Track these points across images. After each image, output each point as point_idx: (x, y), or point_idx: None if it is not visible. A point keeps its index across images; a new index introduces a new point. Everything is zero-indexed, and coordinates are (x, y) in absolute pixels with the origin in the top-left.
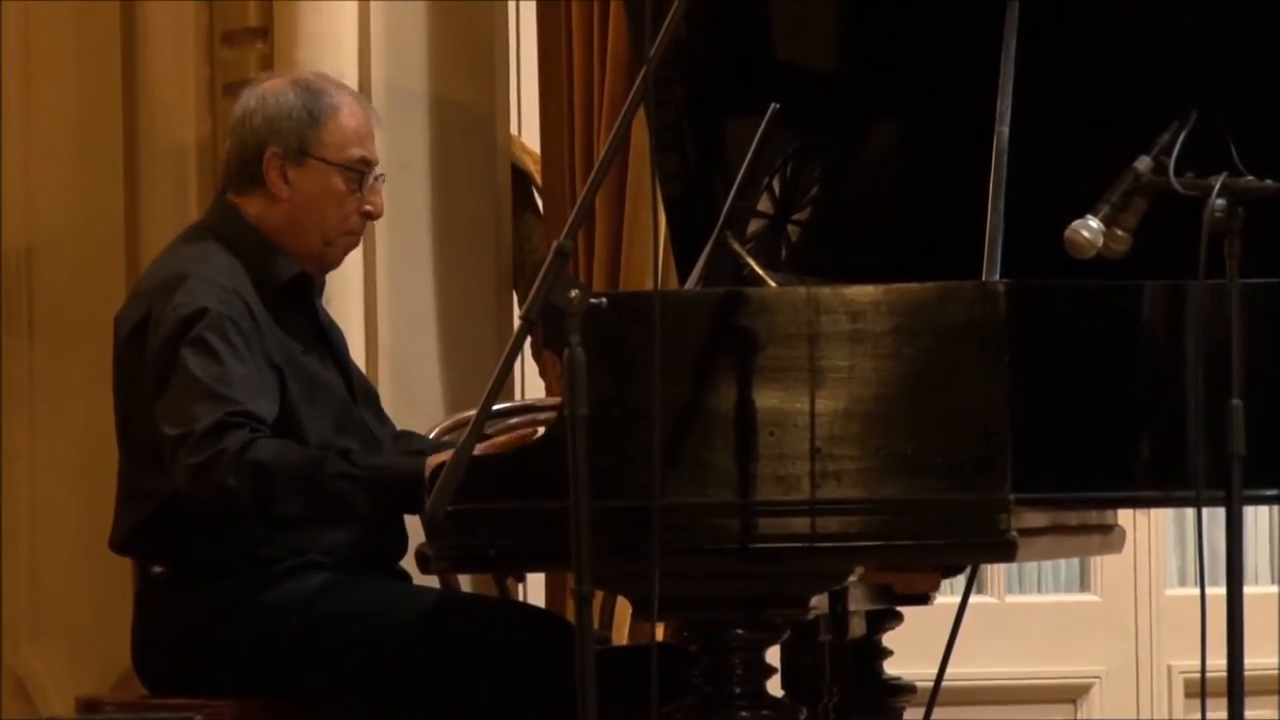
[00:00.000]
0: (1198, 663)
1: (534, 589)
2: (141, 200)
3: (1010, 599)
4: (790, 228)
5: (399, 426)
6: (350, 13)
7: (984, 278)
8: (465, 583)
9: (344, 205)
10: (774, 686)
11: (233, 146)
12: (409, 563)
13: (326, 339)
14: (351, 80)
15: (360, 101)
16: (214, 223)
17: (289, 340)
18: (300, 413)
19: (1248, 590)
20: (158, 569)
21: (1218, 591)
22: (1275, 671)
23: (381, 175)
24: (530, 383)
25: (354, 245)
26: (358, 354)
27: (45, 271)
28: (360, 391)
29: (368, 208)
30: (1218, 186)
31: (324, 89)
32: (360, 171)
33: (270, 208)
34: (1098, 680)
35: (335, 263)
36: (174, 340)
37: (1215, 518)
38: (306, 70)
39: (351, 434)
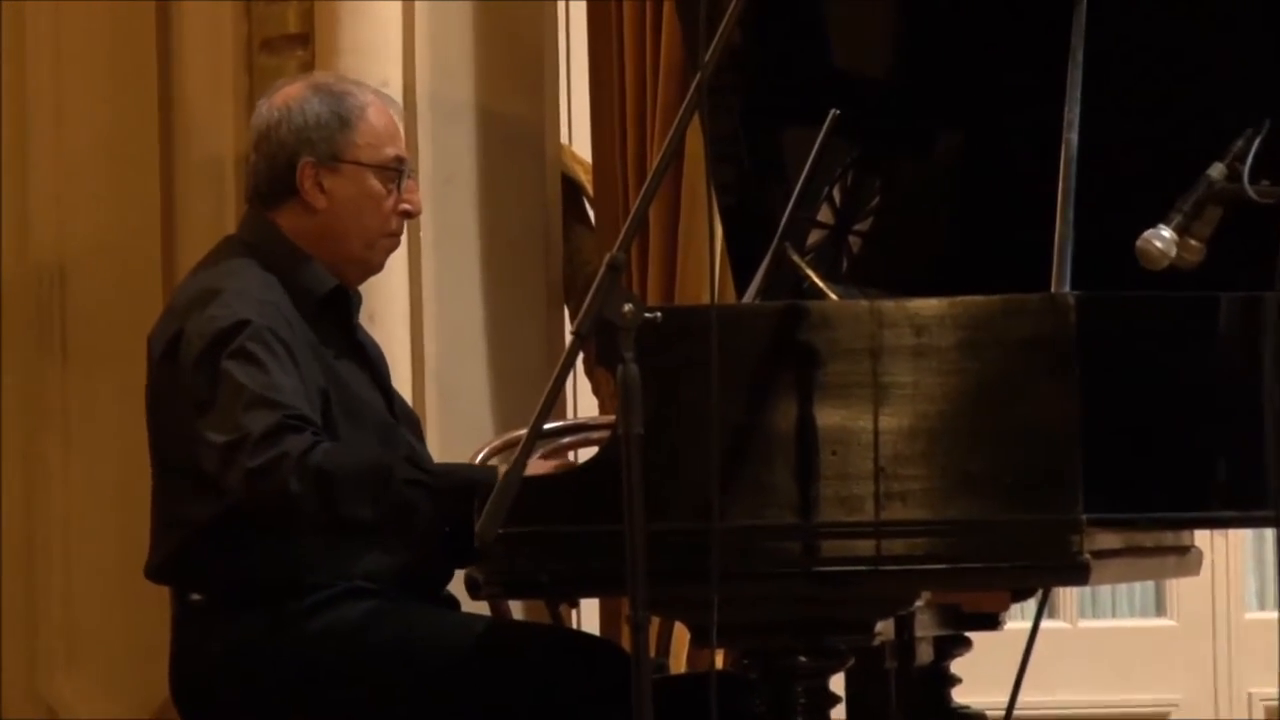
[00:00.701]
0: (1278, 689)
1: (588, 615)
2: (178, 214)
3: (1083, 624)
4: (851, 238)
5: (448, 447)
6: (394, 19)
7: (1053, 289)
8: (517, 609)
9: (382, 207)
10: (838, 716)
11: (259, 161)
12: (458, 588)
13: (365, 357)
14: (395, 89)
15: (383, 97)
16: (246, 237)
17: (328, 356)
18: (341, 431)
19: None
20: (196, 596)
21: None
22: None
23: (412, 170)
24: (583, 401)
25: (395, 247)
26: (404, 374)
27: (78, 289)
28: (401, 414)
29: (405, 206)
30: None
31: (347, 90)
32: (396, 170)
33: (306, 219)
34: (1175, 708)
35: (378, 267)
36: (213, 353)
37: None
38: (319, 73)
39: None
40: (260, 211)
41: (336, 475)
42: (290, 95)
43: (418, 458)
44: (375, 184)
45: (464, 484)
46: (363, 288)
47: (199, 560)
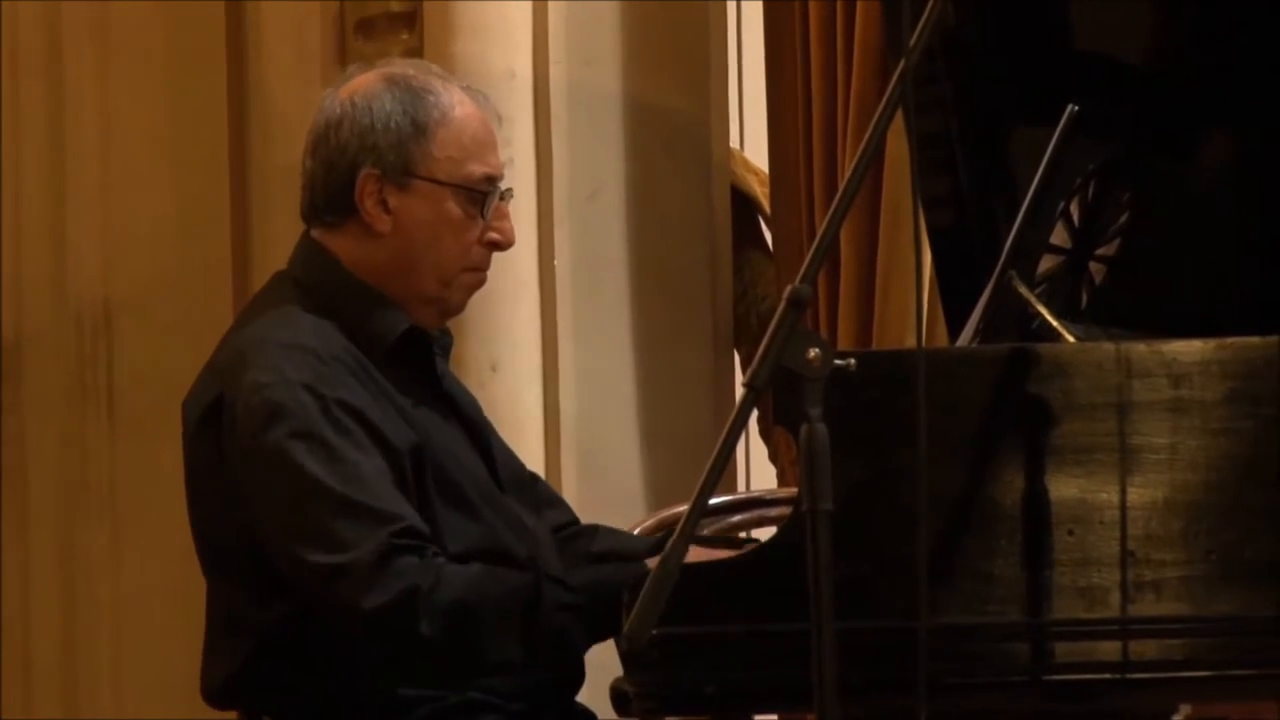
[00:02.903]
0: None
1: None
2: (254, 239)
3: None
4: (1093, 266)
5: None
6: None
7: None
8: None
9: (463, 235)
10: None
11: (315, 169)
12: (601, 701)
13: (457, 411)
14: (524, 81)
15: (477, 99)
16: (297, 273)
17: (409, 408)
18: (437, 512)
19: None
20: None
21: None
22: None
23: (509, 191)
24: (757, 469)
25: (479, 284)
26: (534, 437)
27: (129, 335)
28: (508, 476)
29: (493, 235)
30: None
31: (428, 87)
32: (482, 192)
33: (366, 245)
34: None
35: (457, 307)
36: (267, 432)
37: None
38: (401, 61)
39: (506, 536)
40: (315, 237)
41: (477, 613)
42: (358, 88)
43: (557, 573)
44: (453, 208)
45: (610, 596)
46: (481, 331)
47: (270, 674)
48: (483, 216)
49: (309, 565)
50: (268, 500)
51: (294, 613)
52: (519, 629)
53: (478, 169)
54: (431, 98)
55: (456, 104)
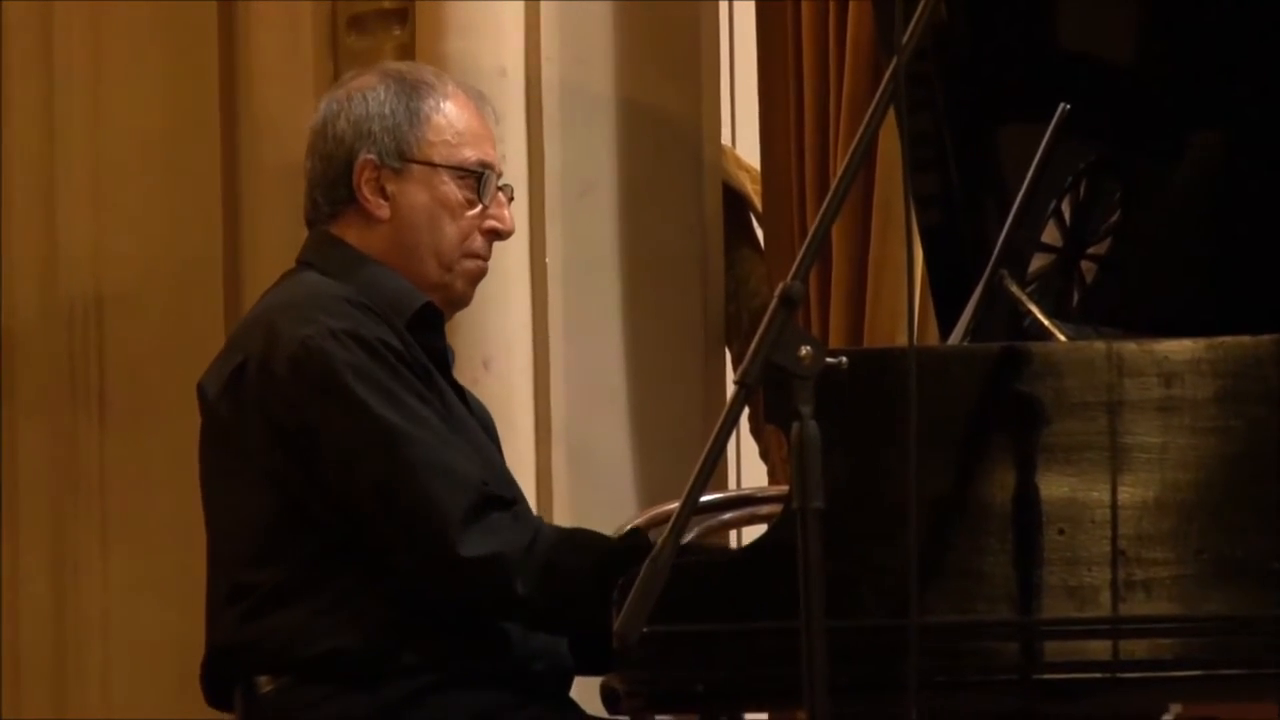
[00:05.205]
0: None
1: None
2: (244, 234)
3: None
4: (1084, 265)
5: (579, 524)
6: None
7: None
8: None
9: (461, 220)
10: None
11: (315, 166)
12: (592, 700)
13: (464, 402)
14: (516, 79)
15: (474, 96)
16: (309, 257)
17: (435, 378)
18: None
19: None
20: (266, 685)
21: None
22: None
23: (508, 186)
24: (748, 467)
25: (481, 273)
26: (525, 434)
27: (119, 330)
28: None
29: (493, 223)
30: None
31: (423, 79)
32: (477, 173)
33: (369, 233)
34: None
35: (461, 297)
36: (324, 378)
37: None
38: (395, 62)
39: None
40: (321, 231)
41: (572, 575)
42: (354, 86)
43: (648, 543)
44: (452, 189)
45: None
46: (473, 329)
47: (266, 632)
48: (481, 200)
49: (400, 512)
50: (340, 448)
51: (297, 569)
52: (610, 593)
53: (472, 154)
54: (426, 88)
55: (451, 95)
